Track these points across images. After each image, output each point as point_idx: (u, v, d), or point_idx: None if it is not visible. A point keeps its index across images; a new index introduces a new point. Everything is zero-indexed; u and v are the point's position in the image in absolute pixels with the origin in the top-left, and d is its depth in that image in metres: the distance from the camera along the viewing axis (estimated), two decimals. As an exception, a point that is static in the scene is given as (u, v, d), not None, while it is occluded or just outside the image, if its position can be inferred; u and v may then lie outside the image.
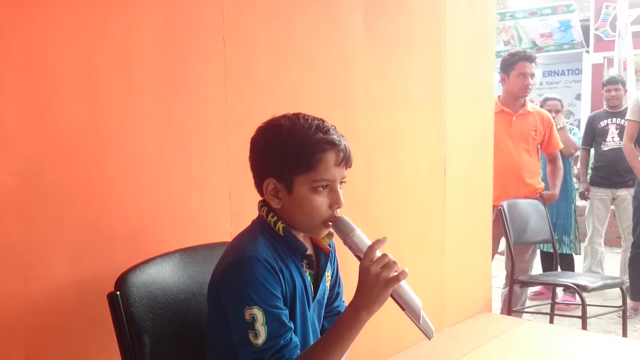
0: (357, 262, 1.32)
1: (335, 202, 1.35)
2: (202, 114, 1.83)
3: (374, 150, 2.52)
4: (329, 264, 1.50)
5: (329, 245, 1.47)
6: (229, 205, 1.91)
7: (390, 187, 2.63)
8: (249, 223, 1.46)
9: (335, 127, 1.37)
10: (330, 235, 1.43)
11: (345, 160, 1.35)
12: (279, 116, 1.38)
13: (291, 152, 1.32)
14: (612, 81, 5.29)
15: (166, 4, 1.72)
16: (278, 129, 1.35)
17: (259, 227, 1.40)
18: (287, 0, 2.09)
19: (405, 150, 2.71)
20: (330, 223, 1.36)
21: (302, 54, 2.17)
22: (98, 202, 1.58)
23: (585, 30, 10.43)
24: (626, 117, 4.77)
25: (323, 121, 1.36)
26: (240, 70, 1.93)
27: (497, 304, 4.21)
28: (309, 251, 1.43)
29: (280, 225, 1.38)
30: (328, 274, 1.51)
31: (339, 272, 1.59)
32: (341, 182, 1.38)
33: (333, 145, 1.33)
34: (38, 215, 1.46)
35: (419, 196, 2.82)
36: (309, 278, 1.43)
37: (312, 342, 1.41)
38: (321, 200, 1.34)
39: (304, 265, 1.42)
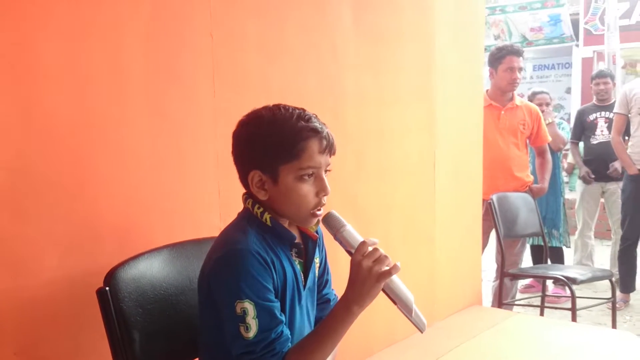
0: (348, 256, 1.33)
1: (321, 190, 1.36)
2: (190, 108, 1.83)
3: (364, 144, 2.52)
4: (317, 250, 1.50)
5: (316, 232, 1.48)
6: (218, 200, 1.91)
7: (380, 181, 2.63)
8: (235, 217, 1.46)
9: (316, 116, 1.37)
10: (317, 222, 1.43)
11: (329, 147, 1.35)
12: (259, 108, 1.38)
13: (274, 142, 1.32)
14: (601, 75, 5.31)
15: (153, -1, 1.71)
16: (259, 121, 1.35)
17: (246, 219, 1.40)
18: (276, -5, 2.09)
19: (395, 144, 2.71)
20: (320, 212, 1.37)
21: (291, 48, 2.16)
22: (87, 197, 1.58)
23: (575, 24, 10.46)
24: (614, 111, 4.80)
25: (304, 110, 1.36)
26: (228, 65, 1.93)
27: (487, 297, 4.23)
28: (297, 239, 1.43)
29: (267, 215, 1.38)
30: (316, 261, 1.52)
31: (327, 259, 1.60)
32: (326, 170, 1.38)
33: (315, 132, 1.33)
34: (27, 210, 1.45)
35: (409, 190, 2.83)
36: (298, 267, 1.43)
37: (304, 330, 1.42)
38: (308, 189, 1.34)
39: (293, 254, 1.43)
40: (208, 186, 1.90)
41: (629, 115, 4.66)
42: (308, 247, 1.47)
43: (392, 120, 2.68)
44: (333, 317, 1.32)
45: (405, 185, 2.80)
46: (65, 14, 1.51)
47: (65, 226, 1.52)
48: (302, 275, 1.44)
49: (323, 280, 1.58)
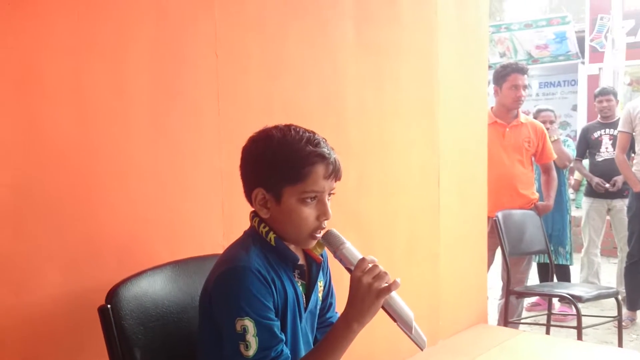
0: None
1: (323, 214, 1.36)
2: (194, 126, 1.84)
3: (367, 160, 2.52)
4: (321, 273, 1.50)
5: (321, 255, 1.47)
6: (222, 218, 1.91)
7: (383, 197, 2.63)
8: (241, 235, 1.46)
9: (326, 140, 1.38)
10: (321, 245, 1.43)
11: (335, 173, 1.36)
12: (270, 127, 1.39)
13: (281, 163, 1.33)
14: (604, 92, 5.32)
15: (158, 17, 1.73)
16: (269, 140, 1.36)
17: (250, 237, 1.41)
18: (278, 13, 2.10)
19: (398, 160, 2.71)
20: (319, 235, 1.37)
21: (293, 66, 2.18)
22: (90, 214, 1.58)
23: (581, 41, 10.47)
24: (618, 129, 4.79)
25: (314, 134, 1.37)
26: (232, 83, 1.94)
27: (493, 315, 4.20)
28: (301, 261, 1.44)
29: (272, 235, 1.39)
30: (320, 284, 1.52)
31: (332, 282, 1.59)
32: (330, 194, 1.38)
33: (323, 158, 1.34)
34: (30, 227, 1.46)
35: (413, 206, 2.82)
36: (300, 288, 1.43)
37: (303, 353, 1.41)
38: (309, 212, 1.35)
39: (296, 275, 1.43)
40: (212, 203, 1.90)
41: (634, 133, 4.65)
42: (312, 269, 1.47)
43: (395, 135, 2.68)
44: (333, 335, 1.32)
45: (409, 202, 2.80)
46: (69, 32, 1.53)
47: (68, 243, 1.53)
48: (303, 297, 1.44)
49: (327, 303, 1.58)
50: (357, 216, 2.47)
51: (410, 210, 2.80)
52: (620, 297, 3.81)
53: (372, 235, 2.55)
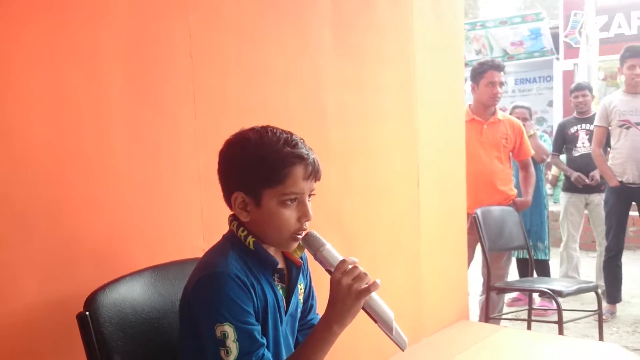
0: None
1: (304, 215, 1.35)
2: (171, 129, 1.82)
3: (348, 163, 2.52)
4: (301, 276, 1.49)
5: (301, 258, 1.47)
6: (201, 221, 1.90)
7: (364, 198, 2.63)
8: (220, 239, 1.45)
9: (304, 140, 1.37)
10: (301, 247, 1.42)
11: (314, 174, 1.35)
12: (247, 129, 1.38)
13: (259, 166, 1.32)
14: (579, 87, 5.38)
15: (131, 21, 1.71)
16: (246, 143, 1.34)
17: (229, 241, 1.40)
18: (255, 16, 2.09)
19: (378, 161, 2.72)
20: (300, 237, 1.36)
21: (272, 69, 2.16)
22: (66, 221, 1.56)
23: (555, 37, 10.58)
24: (594, 124, 4.84)
25: (291, 134, 1.36)
26: (208, 86, 1.92)
27: (475, 311, 4.22)
28: (280, 265, 1.43)
29: (250, 239, 1.37)
30: (301, 286, 1.51)
31: (312, 284, 1.59)
32: (310, 195, 1.37)
33: (301, 159, 1.33)
34: (4, 236, 1.43)
35: (394, 207, 2.83)
36: (280, 292, 1.42)
37: (284, 356, 1.41)
38: (289, 214, 1.34)
39: (276, 279, 1.42)
40: (191, 207, 1.89)
41: (609, 127, 4.70)
42: (292, 272, 1.46)
43: (375, 138, 2.69)
44: (314, 337, 1.32)
45: (390, 202, 2.80)
46: (43, 37, 1.50)
47: (44, 250, 1.51)
48: (284, 300, 1.43)
49: (308, 305, 1.57)
50: (339, 217, 2.47)
51: (391, 210, 2.81)
52: (600, 291, 3.85)
53: (354, 236, 2.55)
